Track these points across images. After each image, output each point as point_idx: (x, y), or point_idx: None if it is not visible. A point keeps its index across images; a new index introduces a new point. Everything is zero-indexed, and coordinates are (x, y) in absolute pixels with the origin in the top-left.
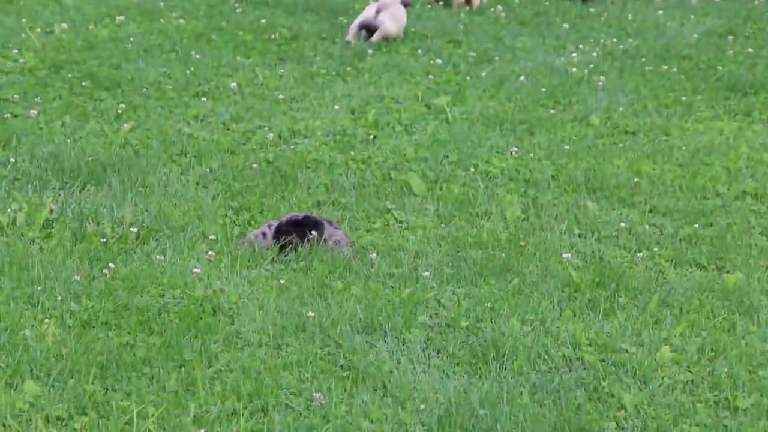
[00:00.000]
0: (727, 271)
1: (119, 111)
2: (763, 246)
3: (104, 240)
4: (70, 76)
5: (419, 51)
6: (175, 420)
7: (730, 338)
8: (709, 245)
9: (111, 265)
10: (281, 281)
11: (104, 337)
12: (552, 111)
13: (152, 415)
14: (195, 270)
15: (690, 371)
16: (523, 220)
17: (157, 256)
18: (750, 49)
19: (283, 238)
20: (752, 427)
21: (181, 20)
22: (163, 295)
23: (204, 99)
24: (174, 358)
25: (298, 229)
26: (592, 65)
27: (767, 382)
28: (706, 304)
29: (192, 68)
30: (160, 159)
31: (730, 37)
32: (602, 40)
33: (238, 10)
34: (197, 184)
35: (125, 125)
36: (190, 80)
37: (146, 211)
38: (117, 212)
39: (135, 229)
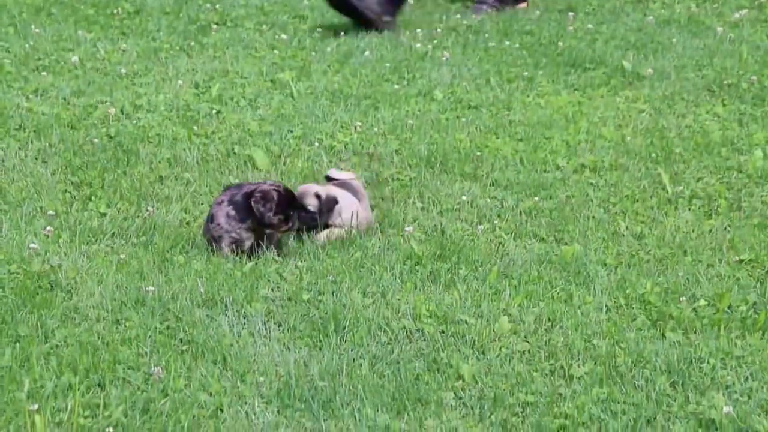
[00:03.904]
0: (565, 243)
1: None
2: (600, 218)
3: None
4: None
5: (264, 26)
6: (9, 395)
7: (567, 308)
8: (548, 217)
9: None
10: (121, 256)
11: None
12: (396, 86)
13: None
14: (32, 245)
15: (527, 341)
16: None
17: None
18: (590, 25)
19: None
20: (585, 395)
21: None
22: None
23: (44, 73)
24: (8, 333)
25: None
26: (436, 41)
27: (601, 350)
28: (545, 275)
29: (31, 42)
30: None
31: (571, 14)
32: (446, 16)
33: None
34: (36, 159)
35: None
36: (30, 54)
37: None
38: None
39: None
